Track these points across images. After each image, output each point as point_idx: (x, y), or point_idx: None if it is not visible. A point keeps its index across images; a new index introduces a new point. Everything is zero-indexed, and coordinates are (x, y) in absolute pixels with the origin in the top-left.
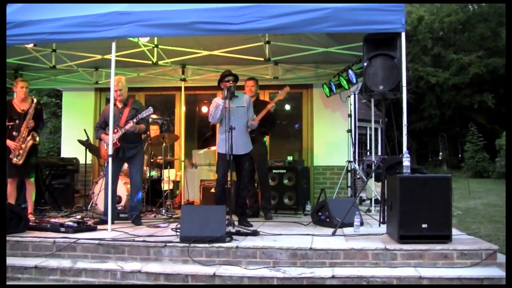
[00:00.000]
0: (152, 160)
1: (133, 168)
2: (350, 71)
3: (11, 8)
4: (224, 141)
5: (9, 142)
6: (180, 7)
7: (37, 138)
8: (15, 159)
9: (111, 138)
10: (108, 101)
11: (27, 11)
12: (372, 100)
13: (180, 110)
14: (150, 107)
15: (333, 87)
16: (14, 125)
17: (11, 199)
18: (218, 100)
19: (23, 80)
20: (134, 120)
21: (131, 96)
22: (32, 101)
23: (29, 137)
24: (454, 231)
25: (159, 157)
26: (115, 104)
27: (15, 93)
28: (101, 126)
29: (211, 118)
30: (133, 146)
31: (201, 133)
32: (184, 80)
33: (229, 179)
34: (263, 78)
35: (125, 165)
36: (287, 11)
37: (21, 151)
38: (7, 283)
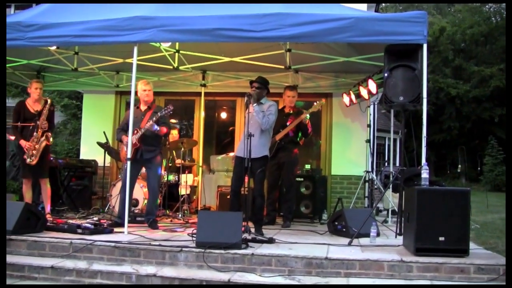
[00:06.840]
0: (170, 165)
1: (150, 172)
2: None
3: (36, 10)
4: (240, 145)
5: (22, 142)
6: (203, 13)
7: (51, 139)
8: (28, 159)
9: (130, 141)
10: (128, 104)
11: (52, 13)
12: (392, 110)
13: (200, 115)
14: (170, 105)
15: (353, 97)
16: (28, 125)
17: (27, 198)
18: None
19: (38, 81)
20: (154, 119)
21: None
22: (46, 102)
23: (43, 138)
24: (471, 245)
25: (177, 161)
26: (138, 107)
27: (30, 94)
28: (123, 128)
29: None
30: (151, 149)
31: (220, 139)
32: (204, 85)
33: (246, 186)
34: (282, 85)
35: (143, 169)
36: (309, 20)
37: (34, 151)
38: (24, 282)
